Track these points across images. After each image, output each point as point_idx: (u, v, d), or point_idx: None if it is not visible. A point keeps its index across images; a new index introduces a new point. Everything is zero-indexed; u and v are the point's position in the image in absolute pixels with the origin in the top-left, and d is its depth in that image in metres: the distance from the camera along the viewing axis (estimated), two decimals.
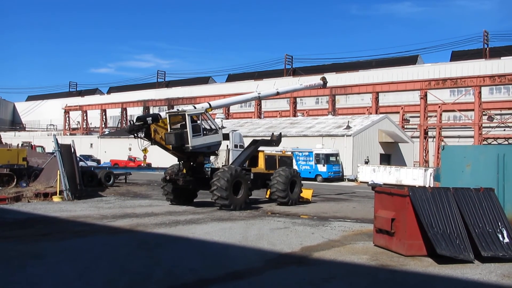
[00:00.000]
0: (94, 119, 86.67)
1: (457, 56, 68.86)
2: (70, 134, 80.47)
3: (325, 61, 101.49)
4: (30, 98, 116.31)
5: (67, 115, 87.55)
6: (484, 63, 59.12)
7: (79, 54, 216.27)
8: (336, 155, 41.93)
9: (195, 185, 18.93)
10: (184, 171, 18.96)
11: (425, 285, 8.03)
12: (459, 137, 55.84)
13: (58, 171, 19.80)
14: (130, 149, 55.69)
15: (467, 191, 10.23)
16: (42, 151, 39.48)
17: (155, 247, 10.68)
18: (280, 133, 24.83)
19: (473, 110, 49.07)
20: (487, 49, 67.21)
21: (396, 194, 10.16)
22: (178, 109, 20.08)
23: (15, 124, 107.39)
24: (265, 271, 8.68)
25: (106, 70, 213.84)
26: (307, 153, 41.78)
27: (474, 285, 7.95)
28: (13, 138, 68.92)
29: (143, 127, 17.74)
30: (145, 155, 42.96)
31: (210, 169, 20.10)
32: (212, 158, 23.06)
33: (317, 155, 40.96)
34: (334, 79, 60.64)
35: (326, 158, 40.83)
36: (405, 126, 59.19)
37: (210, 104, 20.91)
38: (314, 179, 40.54)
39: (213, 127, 18.69)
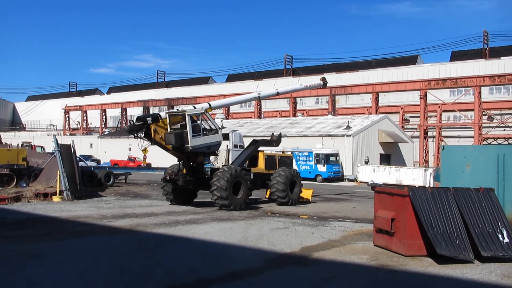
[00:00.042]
0: (94, 119, 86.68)
1: (457, 56, 68.88)
2: (70, 134, 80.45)
3: (325, 61, 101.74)
4: (30, 98, 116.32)
5: (67, 115, 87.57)
6: (484, 63, 59.13)
7: (79, 54, 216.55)
8: (336, 155, 41.93)
9: (195, 185, 18.93)
10: (184, 171, 18.96)
11: (425, 285, 8.03)
12: (459, 137, 55.85)
13: (58, 171, 19.80)
14: (130, 149, 55.70)
15: (467, 191, 10.23)
16: (42, 151, 39.51)
17: (155, 247, 10.68)
18: (280, 133, 24.84)
19: (473, 110, 49.08)
20: (487, 49, 67.22)
21: (396, 194, 10.16)
22: (178, 109, 20.08)
23: (15, 124, 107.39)
24: (265, 271, 8.68)
25: (106, 70, 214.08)
26: (307, 153, 41.78)
27: (474, 285, 7.95)
28: (13, 138, 68.89)
29: (143, 127, 17.73)
30: (145, 155, 43.01)
31: (210, 169, 20.10)
32: (212, 158, 23.07)
33: (317, 155, 40.97)
34: (334, 79, 60.66)
35: (326, 158, 40.83)
36: (405, 126, 59.20)
37: (210, 104, 20.91)
38: (314, 179, 40.55)
39: (213, 127, 18.69)
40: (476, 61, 60.02)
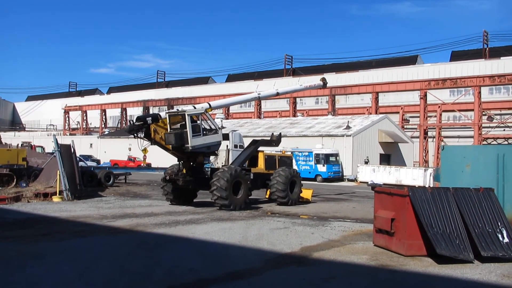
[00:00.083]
0: (94, 119, 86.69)
1: (457, 56, 68.88)
2: (70, 134, 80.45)
3: (325, 61, 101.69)
4: (30, 98, 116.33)
5: (67, 115, 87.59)
6: (483, 63, 59.14)
7: (79, 54, 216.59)
8: (336, 155, 41.94)
9: (195, 185, 18.93)
10: (184, 171, 18.96)
11: (425, 285, 8.03)
12: (458, 137, 55.86)
13: (58, 171, 19.80)
14: (130, 149, 55.69)
15: (467, 191, 10.23)
16: (42, 151, 39.52)
17: (155, 247, 10.68)
18: (280, 133, 24.82)
19: (473, 110, 49.10)
20: (487, 49, 67.24)
21: (396, 194, 10.16)
22: (178, 109, 20.08)
23: (15, 124, 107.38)
24: (265, 271, 8.68)
25: (106, 70, 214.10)
26: (307, 153, 41.78)
27: (474, 285, 7.95)
28: (12, 138, 68.88)
29: (143, 127, 17.73)
30: (145, 155, 42.99)
31: (210, 169, 20.10)
32: (212, 158, 23.07)
33: (317, 155, 40.97)
34: (334, 79, 60.66)
35: (326, 158, 40.83)
36: (405, 126, 59.21)
37: (210, 104, 20.90)
38: (314, 179, 40.55)
39: (213, 127, 18.69)
40: (476, 61, 60.03)
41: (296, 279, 8.10)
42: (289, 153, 28.58)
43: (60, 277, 7.94)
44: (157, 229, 12.92)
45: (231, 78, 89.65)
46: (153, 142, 18.15)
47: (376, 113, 53.27)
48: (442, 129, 53.12)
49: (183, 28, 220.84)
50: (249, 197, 18.81)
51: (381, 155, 47.05)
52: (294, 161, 29.48)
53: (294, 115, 60.43)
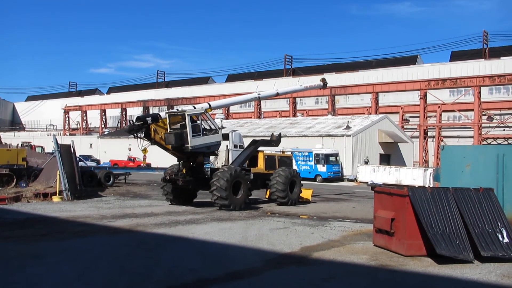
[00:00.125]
0: (94, 119, 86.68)
1: (456, 56, 68.90)
2: (70, 134, 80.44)
3: (325, 61, 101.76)
4: (30, 98, 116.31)
5: (66, 115, 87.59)
6: (483, 63, 59.14)
7: (79, 54, 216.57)
8: (336, 155, 41.94)
9: (194, 185, 18.93)
10: (184, 171, 18.96)
11: (424, 285, 8.04)
12: (458, 137, 55.87)
13: (58, 171, 19.79)
14: (129, 149, 55.68)
15: (467, 191, 10.23)
16: (41, 151, 39.52)
17: (155, 247, 10.68)
18: (280, 133, 24.82)
19: (472, 110, 49.11)
20: (487, 49, 67.25)
21: (396, 194, 10.16)
22: (177, 109, 20.08)
23: (15, 124, 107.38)
24: (265, 271, 8.68)
25: (106, 70, 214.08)
26: (306, 153, 41.79)
27: (473, 285, 7.95)
28: (12, 138, 68.88)
29: (142, 127, 17.73)
30: (144, 155, 42.98)
31: (210, 169, 20.10)
32: (212, 158, 23.06)
33: (317, 155, 40.97)
34: (334, 79, 60.65)
35: (325, 158, 40.84)
36: (405, 126, 59.22)
37: (210, 104, 20.91)
38: (314, 179, 40.55)
39: (212, 127, 18.69)
40: (476, 61, 60.04)
41: (296, 279, 8.10)
42: (289, 153, 28.59)
43: (60, 277, 7.94)
44: (157, 229, 12.92)
45: (231, 78, 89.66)
46: (153, 142, 18.15)
47: (376, 113, 53.27)
48: (442, 129, 53.12)
49: (183, 28, 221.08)
50: (249, 197, 18.81)
51: (381, 155, 47.05)
52: (294, 161, 29.48)
53: (294, 115, 60.43)
